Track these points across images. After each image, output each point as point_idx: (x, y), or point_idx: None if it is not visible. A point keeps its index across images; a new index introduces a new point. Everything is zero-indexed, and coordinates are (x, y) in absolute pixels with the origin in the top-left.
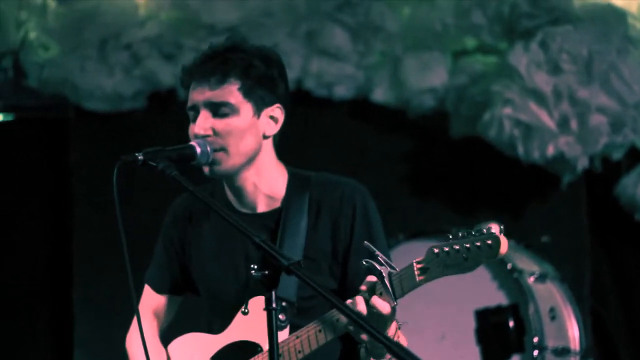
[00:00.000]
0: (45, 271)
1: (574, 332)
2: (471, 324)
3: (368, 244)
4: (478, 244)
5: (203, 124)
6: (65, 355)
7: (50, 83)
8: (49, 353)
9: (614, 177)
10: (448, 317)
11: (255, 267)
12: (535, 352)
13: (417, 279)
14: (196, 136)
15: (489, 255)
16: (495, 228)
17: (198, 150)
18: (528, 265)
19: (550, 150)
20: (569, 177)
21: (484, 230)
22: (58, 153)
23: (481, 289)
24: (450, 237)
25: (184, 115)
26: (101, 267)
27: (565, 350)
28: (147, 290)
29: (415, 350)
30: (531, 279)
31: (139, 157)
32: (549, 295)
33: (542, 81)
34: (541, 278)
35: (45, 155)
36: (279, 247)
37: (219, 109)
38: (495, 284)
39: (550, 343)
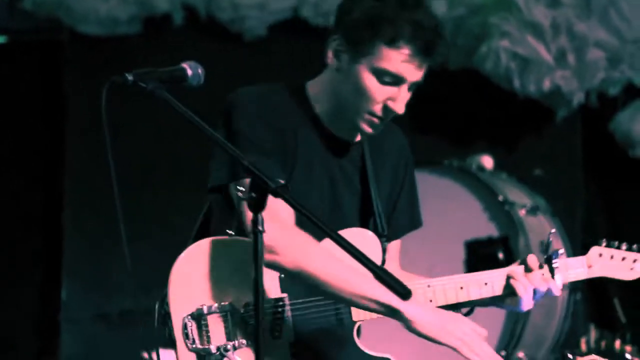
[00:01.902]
0: (37, 198)
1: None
2: (461, 255)
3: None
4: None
5: (404, 101)
6: (54, 282)
7: (44, 5)
8: (38, 280)
9: (609, 113)
10: (438, 247)
11: (243, 189)
12: None
13: (585, 272)
14: (388, 111)
15: None
16: None
17: (189, 72)
18: (520, 198)
19: (547, 84)
20: (565, 112)
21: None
22: (52, 76)
23: (472, 220)
24: (612, 243)
25: (179, 40)
26: (93, 194)
27: None
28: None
29: None
30: (522, 212)
31: (129, 78)
32: (540, 229)
33: (541, 14)
34: (533, 211)
35: (39, 79)
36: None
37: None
38: (486, 215)
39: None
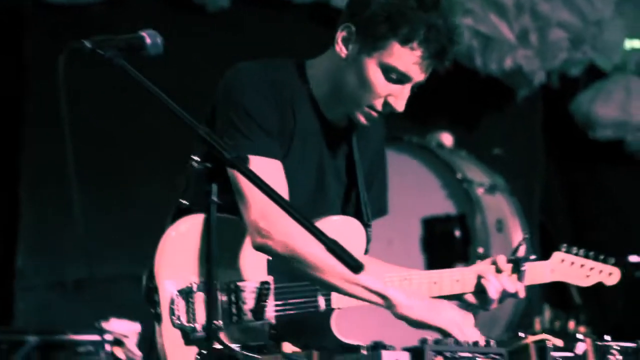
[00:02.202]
0: None
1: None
2: (418, 231)
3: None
4: (601, 270)
5: (405, 99)
6: (10, 250)
7: None
8: None
9: (570, 94)
10: (396, 223)
11: (198, 159)
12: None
13: (548, 276)
14: (388, 107)
15: (606, 283)
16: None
17: (148, 41)
18: (478, 176)
19: (508, 63)
20: (526, 91)
21: (606, 259)
22: (12, 45)
23: (430, 197)
24: (571, 249)
25: (142, 9)
26: (51, 164)
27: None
28: (264, 162)
29: None
30: (480, 190)
31: (87, 45)
32: (497, 207)
33: None
34: (490, 189)
35: (0, 47)
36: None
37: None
38: (444, 192)
39: (495, 254)
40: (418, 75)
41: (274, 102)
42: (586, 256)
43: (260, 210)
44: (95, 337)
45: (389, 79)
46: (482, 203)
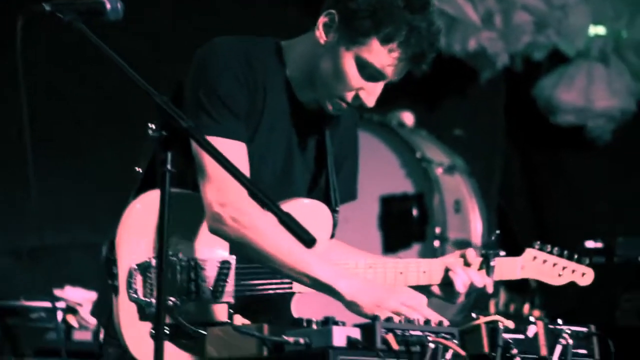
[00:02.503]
0: None
1: (476, 226)
2: (375, 209)
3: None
4: (574, 270)
5: (376, 96)
6: None
7: None
8: None
9: (533, 78)
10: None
11: (154, 126)
12: (436, 243)
13: (518, 273)
14: (359, 100)
15: (579, 283)
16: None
17: (108, 6)
18: (438, 156)
19: (472, 45)
20: (489, 73)
21: (580, 259)
22: None
23: (388, 175)
24: (544, 247)
25: None
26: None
27: (466, 243)
28: (227, 144)
29: None
30: (439, 170)
31: (46, 8)
32: (456, 188)
33: None
34: (449, 170)
35: None
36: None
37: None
38: (403, 171)
39: (452, 235)
40: (393, 74)
41: (245, 82)
42: (560, 255)
43: (216, 194)
44: (49, 304)
45: (363, 73)
46: (440, 183)
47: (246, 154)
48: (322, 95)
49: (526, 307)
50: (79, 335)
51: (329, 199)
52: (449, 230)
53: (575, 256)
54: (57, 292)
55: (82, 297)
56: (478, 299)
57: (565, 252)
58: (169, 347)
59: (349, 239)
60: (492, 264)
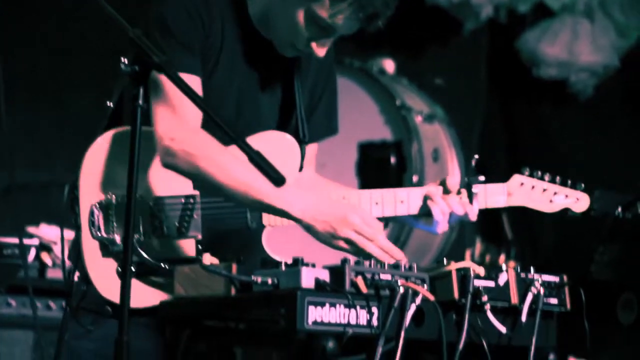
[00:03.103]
0: None
1: (455, 174)
2: (353, 155)
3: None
4: (567, 195)
5: (325, 48)
6: None
7: None
8: None
9: (517, 30)
10: (331, 145)
11: (126, 61)
12: None
13: (504, 200)
14: (310, 50)
15: (574, 209)
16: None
17: None
18: (418, 105)
19: None
20: (472, 24)
21: (574, 184)
22: None
23: (367, 122)
24: (535, 173)
25: None
26: None
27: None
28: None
29: None
30: (419, 118)
31: None
32: (435, 137)
33: None
34: (429, 118)
35: None
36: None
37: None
38: (382, 118)
39: (429, 183)
40: (344, 30)
41: (198, 16)
42: (552, 181)
43: (167, 128)
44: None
45: (314, 27)
46: (419, 131)
47: (199, 88)
48: (276, 40)
49: (502, 258)
50: (53, 274)
51: (296, 130)
52: (426, 178)
53: (569, 182)
54: (32, 229)
55: (57, 235)
56: (454, 248)
57: (558, 178)
58: (135, 284)
59: None
60: (473, 190)
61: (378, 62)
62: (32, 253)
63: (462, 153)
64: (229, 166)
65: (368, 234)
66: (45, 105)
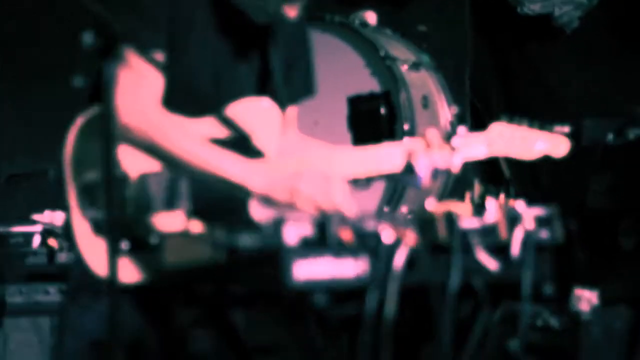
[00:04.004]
0: None
1: (446, 120)
2: (343, 110)
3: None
4: (546, 140)
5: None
6: None
7: None
8: None
9: None
10: (321, 103)
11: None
12: (407, 140)
13: (484, 150)
14: (281, 13)
15: (554, 154)
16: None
17: None
18: (402, 54)
19: None
20: None
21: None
22: None
23: (354, 76)
24: (514, 120)
25: None
26: None
27: None
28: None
29: None
30: (404, 67)
31: None
32: (422, 84)
33: None
34: (415, 66)
35: None
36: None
37: None
38: (368, 71)
39: (422, 130)
40: None
41: None
42: (530, 127)
43: (124, 105)
44: (28, 229)
45: None
46: (406, 80)
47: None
48: (246, 7)
49: (501, 198)
50: (64, 258)
51: (275, 95)
52: (418, 126)
53: (548, 126)
54: (36, 216)
55: (62, 220)
56: (453, 191)
57: (536, 123)
58: (127, 260)
59: None
60: (453, 142)
61: (359, 15)
62: (38, 239)
63: (452, 97)
64: (184, 140)
65: (321, 202)
66: (41, 90)
